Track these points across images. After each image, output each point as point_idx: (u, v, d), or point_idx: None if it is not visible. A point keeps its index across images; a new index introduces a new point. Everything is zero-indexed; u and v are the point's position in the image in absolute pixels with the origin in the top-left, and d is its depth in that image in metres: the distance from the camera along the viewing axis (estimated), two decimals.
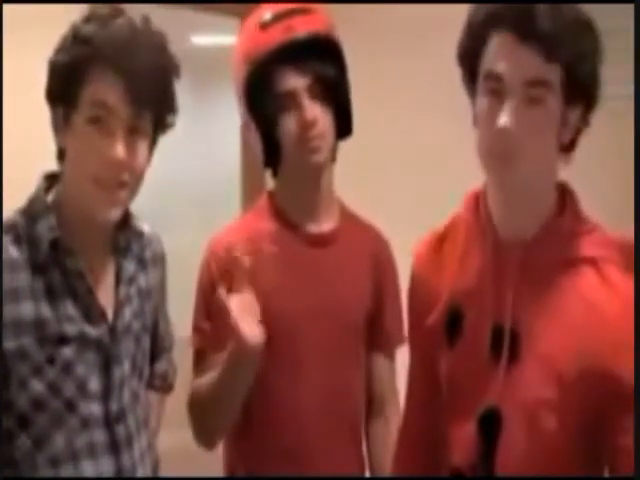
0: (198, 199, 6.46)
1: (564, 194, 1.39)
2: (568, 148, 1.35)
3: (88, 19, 1.42)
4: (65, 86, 1.39)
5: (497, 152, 1.30)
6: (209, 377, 1.72)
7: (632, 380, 1.25)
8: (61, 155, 1.46)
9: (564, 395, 1.30)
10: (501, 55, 1.28)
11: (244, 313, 1.58)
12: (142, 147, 1.41)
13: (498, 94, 1.28)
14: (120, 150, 1.37)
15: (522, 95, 1.27)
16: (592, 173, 2.71)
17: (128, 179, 1.40)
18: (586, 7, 1.31)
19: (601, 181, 2.74)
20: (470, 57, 1.34)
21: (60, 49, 1.41)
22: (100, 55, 1.37)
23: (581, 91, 1.30)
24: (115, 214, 1.42)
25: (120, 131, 1.38)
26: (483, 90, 1.32)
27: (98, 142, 1.37)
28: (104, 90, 1.37)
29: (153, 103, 1.41)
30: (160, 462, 1.63)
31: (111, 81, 1.37)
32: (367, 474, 1.92)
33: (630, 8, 1.85)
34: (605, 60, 1.31)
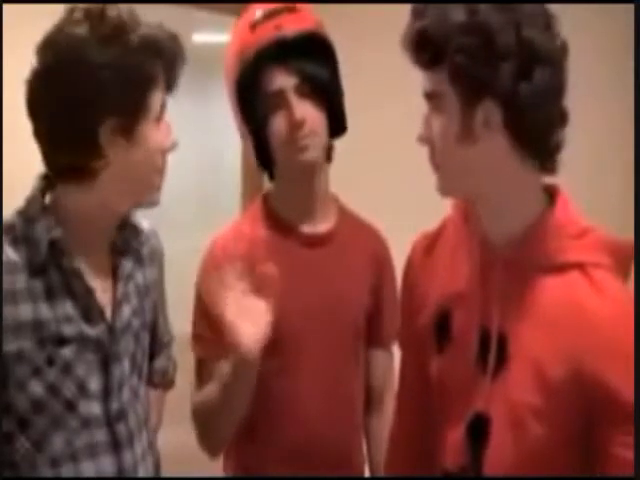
0: (197, 197, 6.46)
1: (554, 196, 1.38)
2: (546, 159, 1.33)
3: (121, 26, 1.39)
4: (136, 99, 1.39)
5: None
6: (211, 388, 1.70)
7: (622, 387, 1.23)
8: (84, 172, 1.40)
9: (551, 399, 1.28)
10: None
11: (242, 316, 1.53)
12: None
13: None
14: (173, 136, 1.48)
15: (429, 107, 1.34)
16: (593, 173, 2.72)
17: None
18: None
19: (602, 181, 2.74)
20: None
21: (115, 64, 1.35)
22: (162, 58, 1.42)
23: (477, 89, 1.27)
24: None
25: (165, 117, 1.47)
26: None
27: (162, 137, 1.45)
28: (162, 92, 1.44)
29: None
30: (160, 460, 1.63)
31: (164, 80, 1.44)
32: (366, 469, 1.92)
33: None
34: None
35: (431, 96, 1.32)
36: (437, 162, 1.35)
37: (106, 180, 1.41)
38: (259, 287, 1.56)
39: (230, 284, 1.54)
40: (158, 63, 1.41)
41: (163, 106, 1.45)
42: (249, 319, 1.54)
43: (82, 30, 1.36)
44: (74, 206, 1.43)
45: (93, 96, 1.35)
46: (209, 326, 1.74)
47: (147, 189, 1.47)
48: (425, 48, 1.29)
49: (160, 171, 1.47)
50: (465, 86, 1.27)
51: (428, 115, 1.34)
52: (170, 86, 1.46)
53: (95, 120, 1.36)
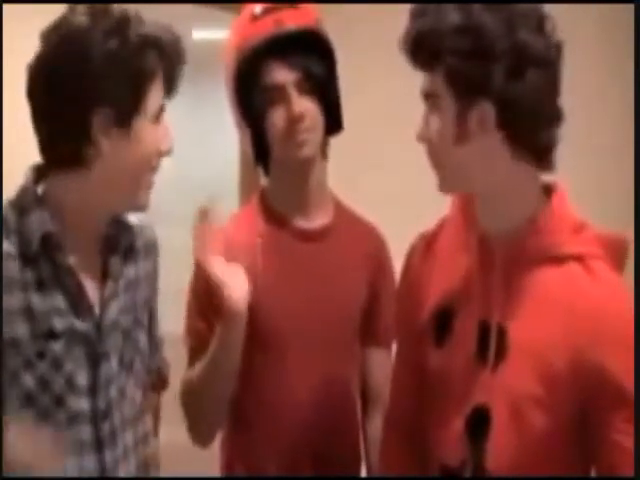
0: (195, 193, 6.46)
1: (551, 193, 1.40)
2: (541, 156, 1.35)
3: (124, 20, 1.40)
4: (131, 92, 1.39)
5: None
6: (198, 366, 1.72)
7: (621, 374, 1.26)
8: (76, 159, 1.41)
9: (552, 389, 1.30)
10: None
11: (229, 276, 1.61)
12: None
13: None
14: (172, 140, 1.46)
15: (427, 107, 1.37)
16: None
17: None
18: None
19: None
20: None
21: (114, 56, 1.37)
22: (163, 58, 1.41)
23: (471, 90, 1.29)
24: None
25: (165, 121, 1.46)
26: None
27: (157, 136, 1.43)
28: (160, 93, 1.43)
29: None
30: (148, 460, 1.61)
31: (164, 81, 1.43)
32: (363, 469, 1.92)
33: None
34: None
35: (428, 96, 1.35)
36: (435, 160, 1.38)
37: (99, 171, 1.41)
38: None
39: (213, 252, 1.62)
40: (157, 62, 1.41)
41: (162, 108, 1.44)
42: (233, 279, 1.62)
43: (86, 21, 1.38)
44: (66, 198, 1.43)
45: (88, 84, 1.37)
46: (202, 318, 1.76)
47: (139, 188, 1.46)
48: (421, 50, 1.32)
49: (153, 172, 1.47)
50: (460, 87, 1.30)
51: (426, 114, 1.37)
52: (169, 89, 1.45)
53: (88, 108, 1.38)
